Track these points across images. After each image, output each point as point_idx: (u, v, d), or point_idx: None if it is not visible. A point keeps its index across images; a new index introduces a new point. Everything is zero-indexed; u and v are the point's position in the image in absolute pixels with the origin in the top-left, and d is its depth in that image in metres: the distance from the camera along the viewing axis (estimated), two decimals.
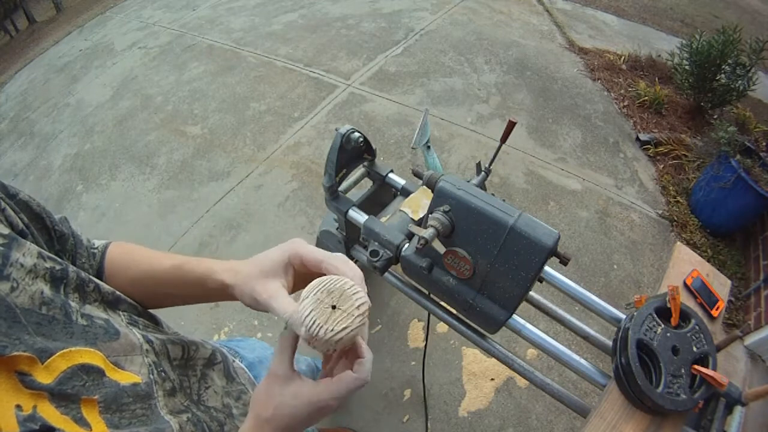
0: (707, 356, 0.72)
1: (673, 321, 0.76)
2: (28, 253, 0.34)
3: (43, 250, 0.37)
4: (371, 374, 0.41)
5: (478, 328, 0.89)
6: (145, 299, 0.48)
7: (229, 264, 0.45)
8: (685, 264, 0.94)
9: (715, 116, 2.65)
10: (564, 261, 0.73)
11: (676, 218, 2.12)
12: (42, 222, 0.42)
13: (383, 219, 1.08)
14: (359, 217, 1.05)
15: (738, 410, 0.71)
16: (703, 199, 2.08)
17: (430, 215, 0.76)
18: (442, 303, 0.93)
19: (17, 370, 0.30)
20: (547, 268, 0.87)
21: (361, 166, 1.15)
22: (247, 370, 0.62)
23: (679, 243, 1.07)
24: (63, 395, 0.32)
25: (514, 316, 0.82)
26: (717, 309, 0.89)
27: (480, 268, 0.75)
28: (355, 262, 0.96)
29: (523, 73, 2.95)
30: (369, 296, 0.41)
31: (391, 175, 1.15)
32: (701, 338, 0.73)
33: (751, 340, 1.63)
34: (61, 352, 0.32)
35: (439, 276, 0.83)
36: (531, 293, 0.91)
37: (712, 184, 2.00)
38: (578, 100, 2.79)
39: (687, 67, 2.53)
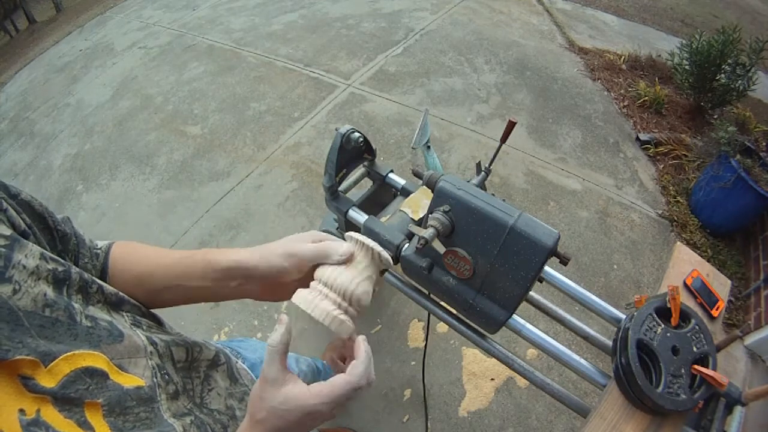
0: (707, 356, 0.72)
1: (673, 321, 0.76)
2: (30, 255, 0.34)
3: (46, 250, 0.37)
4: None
5: (478, 328, 0.89)
6: (149, 298, 0.48)
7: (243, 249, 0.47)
8: (685, 264, 0.94)
9: (715, 116, 2.65)
10: (564, 261, 0.73)
11: (676, 218, 2.12)
12: (44, 222, 0.42)
13: (383, 219, 1.08)
14: (359, 217, 1.05)
15: (738, 410, 0.71)
16: (703, 199, 2.08)
17: (430, 215, 0.76)
18: (442, 303, 0.93)
19: (20, 374, 0.30)
20: (547, 268, 0.87)
21: (361, 166, 1.15)
22: (249, 371, 0.62)
23: (679, 243, 1.07)
24: (66, 399, 0.31)
25: (514, 316, 0.82)
26: (717, 309, 0.89)
27: (480, 268, 0.75)
28: None
29: (523, 73, 2.95)
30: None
31: (391, 175, 1.15)
32: (701, 338, 0.73)
33: (751, 340, 1.63)
34: (65, 355, 0.32)
35: (439, 276, 0.83)
36: (531, 293, 0.91)
37: (712, 184, 2.00)
38: (578, 100, 2.79)
39: (687, 67, 2.53)
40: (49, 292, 0.34)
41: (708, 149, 2.19)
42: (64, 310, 0.34)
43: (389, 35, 3.30)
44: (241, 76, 3.00)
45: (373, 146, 1.10)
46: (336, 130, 1.02)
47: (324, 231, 1.30)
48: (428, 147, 1.17)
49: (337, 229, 1.24)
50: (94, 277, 0.40)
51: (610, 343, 0.83)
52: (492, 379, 1.55)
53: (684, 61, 2.54)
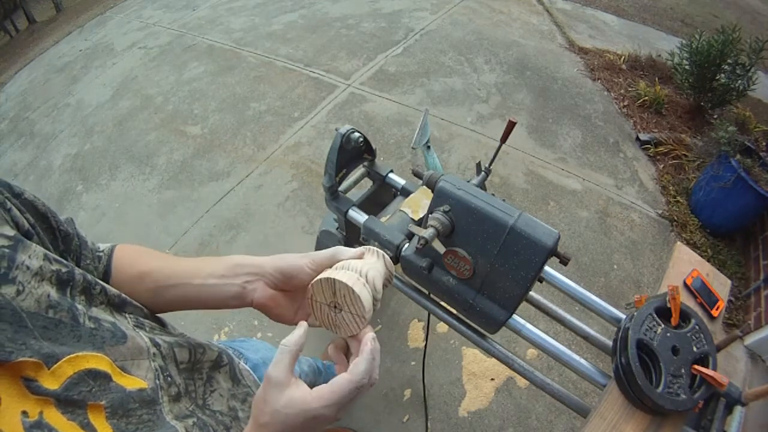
0: (707, 356, 0.72)
1: (673, 321, 0.76)
2: (34, 255, 0.34)
3: (49, 251, 0.36)
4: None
5: (478, 328, 0.89)
6: (153, 298, 0.48)
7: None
8: (685, 264, 0.94)
9: (715, 116, 2.65)
10: (564, 261, 0.73)
11: (676, 218, 2.12)
12: (47, 222, 0.42)
13: (383, 219, 1.08)
14: (359, 217, 1.05)
15: (738, 410, 0.71)
16: (703, 199, 2.08)
17: (430, 215, 0.76)
18: (442, 303, 0.93)
19: (23, 376, 0.30)
20: (547, 268, 0.87)
21: (361, 166, 1.15)
22: (252, 372, 0.62)
23: (679, 243, 1.07)
24: (69, 401, 0.31)
25: (514, 316, 0.82)
26: (717, 309, 0.89)
27: (480, 268, 0.75)
28: None
29: (523, 73, 2.95)
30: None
31: (391, 175, 1.15)
32: (701, 338, 0.73)
33: (751, 340, 1.63)
34: (68, 357, 0.32)
35: (439, 276, 0.83)
36: (531, 293, 0.91)
37: (712, 184, 2.00)
38: (578, 100, 2.79)
39: (687, 67, 2.53)
40: (53, 293, 0.34)
41: (708, 149, 2.19)
42: (67, 311, 0.34)
43: (389, 35, 3.30)
44: (241, 76, 3.00)
45: (373, 146, 1.10)
46: (336, 130, 1.02)
47: (324, 231, 1.30)
48: (428, 147, 1.17)
49: (336, 228, 1.24)
50: (96, 279, 0.40)
51: (610, 343, 0.83)
52: (492, 379, 1.55)
53: (684, 61, 2.54)
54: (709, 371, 0.68)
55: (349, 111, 2.63)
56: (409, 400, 1.51)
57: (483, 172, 1.10)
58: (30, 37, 4.90)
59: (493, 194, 0.75)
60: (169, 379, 0.42)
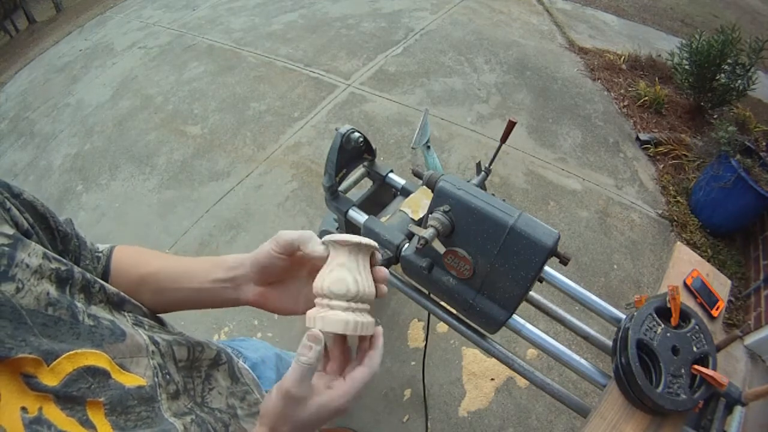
0: (707, 356, 0.72)
1: (673, 321, 0.76)
2: (33, 254, 0.34)
3: (48, 250, 0.37)
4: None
5: (478, 328, 0.89)
6: (152, 300, 0.48)
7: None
8: (685, 264, 0.94)
9: (715, 116, 2.65)
10: (564, 261, 0.73)
11: (676, 218, 2.12)
12: (46, 222, 0.42)
13: (383, 219, 1.08)
14: (359, 217, 1.05)
15: (738, 410, 0.71)
16: (703, 199, 2.08)
17: (430, 215, 0.76)
18: (442, 303, 0.93)
19: (22, 372, 0.30)
20: (547, 268, 0.87)
21: (361, 166, 1.15)
22: (250, 371, 0.62)
23: (679, 243, 1.07)
24: (68, 397, 0.32)
25: (514, 316, 0.82)
26: (717, 309, 0.89)
27: (480, 268, 0.75)
28: None
29: (523, 73, 2.96)
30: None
31: (391, 175, 1.15)
32: (701, 338, 0.73)
33: (751, 340, 1.63)
34: (67, 354, 0.32)
35: (439, 276, 0.83)
36: (531, 293, 0.91)
37: (712, 184, 2.00)
38: (578, 100, 2.79)
39: (687, 67, 2.53)
40: (52, 291, 0.34)
41: (708, 149, 2.19)
42: (66, 309, 0.34)
43: (389, 35, 3.30)
44: (241, 76, 3.00)
45: (373, 146, 1.10)
46: (336, 130, 1.02)
47: (324, 231, 1.30)
48: (428, 147, 1.18)
49: (336, 229, 1.24)
50: (96, 277, 0.40)
51: (610, 343, 0.83)
52: (492, 379, 1.55)
53: (684, 60, 2.54)
54: (709, 371, 0.68)
55: (349, 111, 2.63)
56: (409, 400, 1.51)
57: (483, 172, 1.10)
58: (30, 37, 4.90)
59: (493, 194, 0.75)
60: (167, 376, 0.42)
